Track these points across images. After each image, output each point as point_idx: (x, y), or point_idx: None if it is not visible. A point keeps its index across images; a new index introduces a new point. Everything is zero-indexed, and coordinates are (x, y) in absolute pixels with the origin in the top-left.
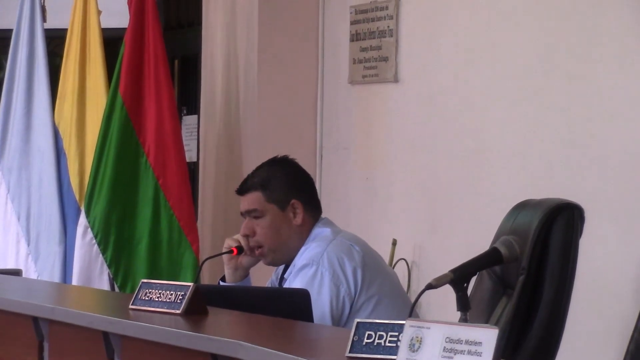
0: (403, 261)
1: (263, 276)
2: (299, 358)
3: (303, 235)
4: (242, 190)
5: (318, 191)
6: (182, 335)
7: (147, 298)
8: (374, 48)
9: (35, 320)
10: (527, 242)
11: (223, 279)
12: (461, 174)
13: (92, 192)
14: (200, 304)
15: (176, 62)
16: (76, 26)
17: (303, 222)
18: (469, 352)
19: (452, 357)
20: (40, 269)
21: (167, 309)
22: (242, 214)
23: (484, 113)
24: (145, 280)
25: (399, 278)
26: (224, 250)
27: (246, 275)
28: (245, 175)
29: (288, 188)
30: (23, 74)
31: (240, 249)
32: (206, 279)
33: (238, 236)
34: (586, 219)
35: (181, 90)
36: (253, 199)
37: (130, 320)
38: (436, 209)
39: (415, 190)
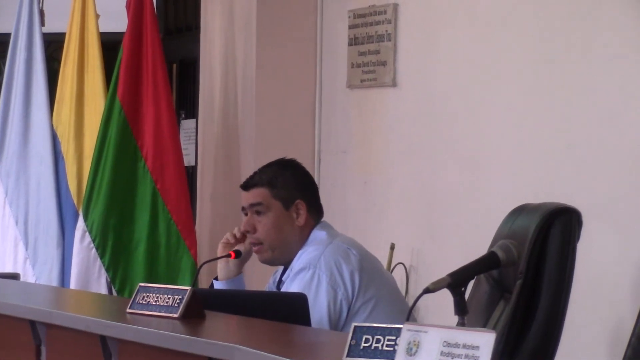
0: (401, 265)
1: (260, 280)
2: None
3: (303, 236)
4: (248, 185)
5: None
6: (180, 339)
7: (144, 302)
8: (372, 52)
9: (32, 324)
10: (525, 246)
11: (217, 278)
12: (459, 178)
13: (90, 196)
14: (198, 308)
15: (174, 66)
16: (74, 30)
17: (305, 224)
18: (467, 356)
19: None
20: (38, 272)
21: (164, 312)
22: (243, 209)
23: (482, 117)
24: (142, 284)
25: (397, 282)
26: (220, 246)
27: (239, 272)
28: (243, 179)
29: (294, 188)
30: (21, 78)
31: (238, 253)
32: (204, 282)
33: (236, 230)
34: (584, 223)
35: (179, 94)
36: (258, 193)
37: (127, 324)
38: (434, 213)
39: (414, 194)
